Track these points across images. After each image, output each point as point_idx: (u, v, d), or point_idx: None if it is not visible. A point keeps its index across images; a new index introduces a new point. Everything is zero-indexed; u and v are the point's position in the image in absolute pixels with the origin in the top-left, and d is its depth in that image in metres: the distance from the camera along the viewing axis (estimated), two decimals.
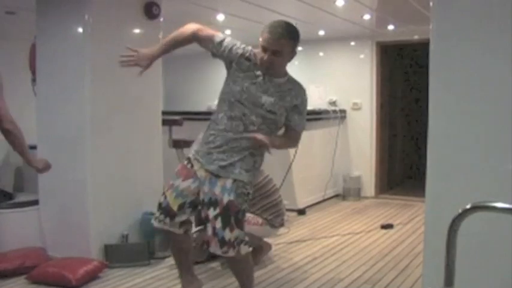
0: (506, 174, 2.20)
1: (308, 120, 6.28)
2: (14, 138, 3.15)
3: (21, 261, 3.94)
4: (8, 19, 5.24)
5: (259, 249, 4.32)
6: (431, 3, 2.40)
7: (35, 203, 4.43)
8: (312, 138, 6.56)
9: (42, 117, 4.35)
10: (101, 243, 4.16)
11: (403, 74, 8.26)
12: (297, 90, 3.18)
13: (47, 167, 3.44)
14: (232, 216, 2.98)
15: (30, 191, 4.69)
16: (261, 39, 3.00)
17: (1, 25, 5.55)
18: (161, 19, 4.60)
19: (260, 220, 4.15)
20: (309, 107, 6.63)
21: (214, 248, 3.02)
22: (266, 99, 3.02)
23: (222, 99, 3.11)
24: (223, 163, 3.00)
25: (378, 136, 7.34)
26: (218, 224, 2.97)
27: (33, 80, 4.52)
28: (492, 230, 2.16)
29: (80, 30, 4.08)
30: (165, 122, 4.85)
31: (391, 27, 6.69)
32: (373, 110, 7.30)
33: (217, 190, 2.98)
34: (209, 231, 3.04)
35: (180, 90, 8.23)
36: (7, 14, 5.07)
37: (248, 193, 3.08)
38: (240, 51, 3.09)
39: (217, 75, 8.56)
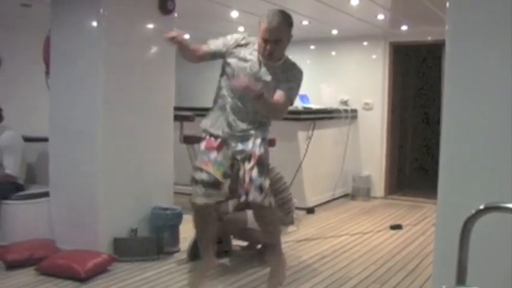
0: None
1: (319, 119, 6.41)
2: None
3: (30, 252, 3.95)
4: (23, 12, 5.28)
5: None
6: (447, 4, 2.39)
7: (46, 195, 4.45)
8: (322, 137, 6.55)
9: (54, 110, 4.37)
10: (110, 236, 4.17)
11: (416, 75, 8.24)
12: (292, 70, 3.44)
13: None
14: (265, 166, 3.35)
15: (42, 183, 4.71)
16: (261, 30, 3.26)
17: (16, 18, 5.58)
18: (175, 14, 4.60)
19: None
20: (320, 106, 6.75)
21: (254, 195, 3.26)
22: (264, 77, 3.35)
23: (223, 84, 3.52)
24: (246, 127, 3.41)
25: (389, 136, 7.32)
26: (254, 173, 3.28)
27: (47, 73, 4.55)
28: (504, 230, 2.15)
29: (95, 23, 4.10)
30: (176, 118, 4.85)
31: (404, 27, 6.66)
32: (384, 110, 7.28)
33: (249, 146, 3.35)
34: (246, 181, 3.30)
35: (191, 86, 8.23)
36: (22, 6, 5.10)
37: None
38: (232, 41, 3.49)
39: None
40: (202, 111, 6.13)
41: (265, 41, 3.26)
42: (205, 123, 3.57)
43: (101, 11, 4.07)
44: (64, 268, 3.71)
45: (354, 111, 7.32)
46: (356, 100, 7.38)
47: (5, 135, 4.52)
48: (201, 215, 3.50)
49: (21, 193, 4.51)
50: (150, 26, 4.46)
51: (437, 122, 6.52)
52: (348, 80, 7.44)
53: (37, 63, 4.80)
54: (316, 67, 7.77)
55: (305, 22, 6.32)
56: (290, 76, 3.41)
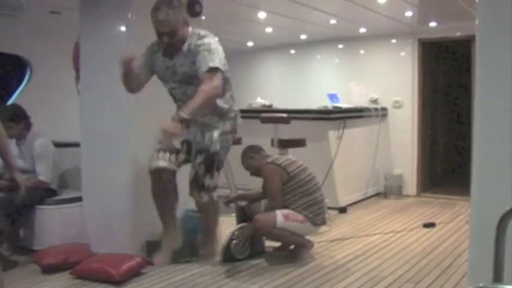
0: None
1: (349, 118, 6.37)
2: None
3: (65, 256, 4.01)
4: (52, 18, 5.35)
5: (301, 246, 4.31)
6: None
7: (79, 199, 4.52)
8: (353, 136, 6.51)
9: (85, 115, 4.43)
10: (142, 239, 4.21)
11: (445, 71, 8.12)
12: (200, 41, 3.42)
13: (20, 185, 3.07)
14: (215, 162, 3.54)
15: (74, 188, 4.78)
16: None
17: (46, 24, 5.66)
18: (203, 17, 4.63)
19: (300, 217, 4.13)
20: (350, 105, 6.72)
21: (193, 193, 3.62)
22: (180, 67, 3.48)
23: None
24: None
25: (420, 134, 7.23)
26: (201, 169, 3.53)
27: (77, 78, 4.62)
28: None
29: (123, 28, 4.15)
30: None
31: (433, 24, 6.58)
32: (414, 107, 7.19)
33: (205, 139, 3.49)
34: (192, 175, 3.63)
35: None
36: (51, 13, 5.17)
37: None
38: (148, 52, 3.68)
39: (258, 73, 8.72)
40: None
41: (160, 34, 3.36)
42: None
43: (129, 16, 4.12)
44: (99, 272, 3.75)
45: (384, 109, 7.25)
46: (385, 98, 7.31)
47: (37, 143, 4.59)
48: (161, 181, 3.62)
49: (54, 198, 4.59)
50: None
51: (468, 119, 6.42)
52: (377, 78, 7.38)
53: (67, 69, 4.88)
54: (345, 66, 7.74)
55: (333, 21, 6.29)
56: (198, 47, 3.38)
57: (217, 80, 3.27)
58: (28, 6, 4.37)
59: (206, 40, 3.37)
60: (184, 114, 3.18)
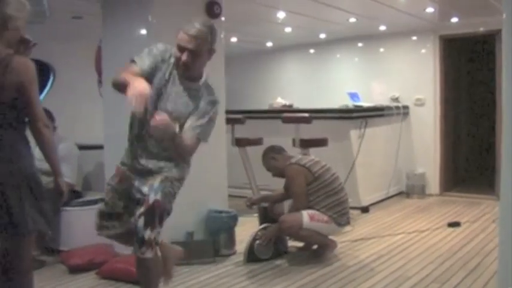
0: None
1: (370, 117, 6.33)
2: (45, 145, 2.74)
3: (90, 257, 4.08)
4: (74, 23, 5.42)
5: (325, 246, 4.30)
6: None
7: (102, 201, 4.53)
8: (374, 135, 6.47)
9: (108, 118, 4.46)
10: (166, 240, 4.21)
11: (468, 68, 8.02)
12: (211, 96, 2.89)
13: (63, 191, 3.00)
14: (158, 215, 2.85)
15: (98, 190, 4.81)
16: (177, 38, 2.76)
17: (68, 29, 5.73)
18: (222, 18, 4.63)
19: (325, 217, 4.13)
20: (371, 104, 6.68)
21: (134, 246, 2.82)
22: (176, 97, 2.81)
23: None
24: (146, 162, 2.89)
25: (442, 132, 7.15)
26: (140, 222, 2.79)
27: (100, 82, 4.65)
28: None
29: (144, 31, 4.17)
30: (227, 121, 4.90)
31: (454, 19, 6.50)
32: (436, 105, 7.11)
33: (145, 188, 2.82)
34: (131, 227, 2.90)
35: (241, 88, 8.28)
36: (74, 18, 5.23)
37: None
38: (159, 56, 2.86)
39: (278, 73, 8.70)
40: (252, 114, 6.24)
41: (181, 49, 2.72)
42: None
43: (150, 19, 4.14)
44: (124, 272, 3.79)
45: (406, 107, 7.18)
46: (407, 96, 7.24)
47: (61, 146, 4.65)
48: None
49: (79, 200, 4.64)
50: None
51: (493, 116, 6.33)
52: (398, 76, 7.31)
53: (89, 73, 4.92)
54: (365, 64, 7.69)
55: (352, 19, 6.26)
56: (207, 104, 2.84)
57: (194, 149, 2.88)
58: (51, 12, 4.42)
59: (216, 107, 2.89)
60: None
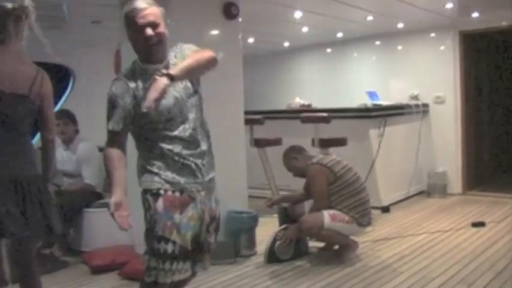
0: None
1: (390, 115, 6.28)
2: (50, 154, 2.82)
3: (112, 258, 4.14)
4: (94, 28, 5.47)
5: (346, 246, 4.27)
6: None
7: None
8: (394, 133, 6.41)
9: None
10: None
11: (490, 64, 7.89)
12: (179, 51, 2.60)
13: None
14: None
15: None
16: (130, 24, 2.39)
17: (87, 34, 5.78)
18: (240, 19, 4.63)
19: (347, 217, 4.09)
20: (390, 102, 6.62)
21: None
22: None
23: None
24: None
25: (464, 129, 7.03)
26: (212, 239, 2.68)
27: None
28: None
29: None
30: (246, 121, 4.90)
31: (475, 14, 6.40)
32: (457, 102, 7.00)
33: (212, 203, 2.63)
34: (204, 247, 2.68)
35: (259, 89, 8.26)
36: (93, 23, 5.27)
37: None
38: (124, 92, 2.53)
39: (296, 73, 8.68)
40: (270, 114, 6.23)
41: (142, 28, 2.35)
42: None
43: (168, 21, 4.11)
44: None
45: (425, 105, 7.09)
46: (426, 94, 7.14)
47: (81, 147, 4.73)
48: None
49: (100, 201, 4.68)
50: (216, 32, 4.51)
51: None
52: (417, 74, 7.22)
53: (109, 77, 4.92)
54: (383, 63, 7.62)
55: (370, 17, 6.21)
56: (185, 49, 2.61)
57: (211, 52, 2.53)
58: (70, 17, 4.45)
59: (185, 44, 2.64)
60: (172, 71, 2.35)
